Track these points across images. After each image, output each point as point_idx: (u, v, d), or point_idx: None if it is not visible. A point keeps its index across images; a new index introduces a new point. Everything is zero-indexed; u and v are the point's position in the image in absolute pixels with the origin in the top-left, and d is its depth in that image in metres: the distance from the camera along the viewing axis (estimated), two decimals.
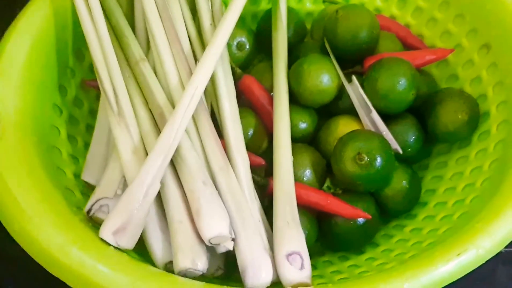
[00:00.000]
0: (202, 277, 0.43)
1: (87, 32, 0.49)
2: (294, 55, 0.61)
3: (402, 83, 0.53)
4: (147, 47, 0.53)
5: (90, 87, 0.57)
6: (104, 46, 0.48)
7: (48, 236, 0.41)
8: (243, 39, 0.62)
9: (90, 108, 0.58)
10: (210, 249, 0.45)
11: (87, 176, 0.51)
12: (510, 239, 0.42)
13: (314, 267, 0.52)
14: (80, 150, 0.55)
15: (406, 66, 0.54)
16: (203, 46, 0.52)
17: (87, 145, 0.54)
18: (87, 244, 0.42)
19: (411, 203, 0.55)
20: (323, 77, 0.55)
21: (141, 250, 0.46)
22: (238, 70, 0.59)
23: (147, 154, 0.47)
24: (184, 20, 0.52)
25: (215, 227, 0.43)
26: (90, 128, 0.56)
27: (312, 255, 0.52)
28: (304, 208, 0.51)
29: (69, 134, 0.54)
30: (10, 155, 0.44)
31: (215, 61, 0.48)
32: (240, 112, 0.54)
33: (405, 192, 0.53)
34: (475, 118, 0.55)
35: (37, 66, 0.51)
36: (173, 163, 0.46)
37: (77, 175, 0.52)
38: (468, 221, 0.45)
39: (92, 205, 0.47)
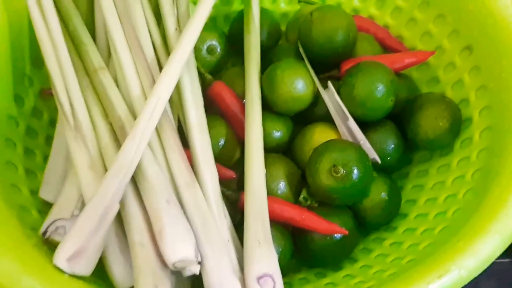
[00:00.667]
0: None
1: (41, 38, 0.45)
2: (268, 59, 0.58)
3: (380, 89, 0.50)
4: (109, 56, 0.49)
5: (51, 96, 0.54)
6: (59, 53, 0.45)
7: None
8: (214, 42, 0.59)
9: (50, 119, 0.54)
10: (176, 272, 0.42)
11: (45, 194, 0.48)
12: (494, 258, 0.40)
13: (289, 285, 0.50)
14: (38, 164, 0.51)
15: (384, 71, 0.51)
16: (168, 53, 0.49)
17: (46, 159, 0.51)
18: (39, 272, 0.39)
19: (390, 215, 0.52)
20: (298, 84, 0.52)
21: (102, 273, 0.43)
22: (208, 76, 0.56)
23: (106, 170, 0.44)
24: (148, 25, 0.49)
25: (179, 251, 0.40)
26: (50, 140, 0.52)
27: (287, 272, 0.50)
28: (278, 224, 0.49)
29: (27, 148, 0.51)
30: None
31: (180, 69, 0.45)
32: (210, 121, 0.51)
33: (384, 204, 0.51)
34: (457, 124, 0.52)
35: None
36: (134, 180, 0.43)
37: (34, 192, 0.49)
38: (450, 238, 0.42)
39: (47, 227, 0.43)
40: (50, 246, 0.43)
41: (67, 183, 0.45)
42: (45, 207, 0.48)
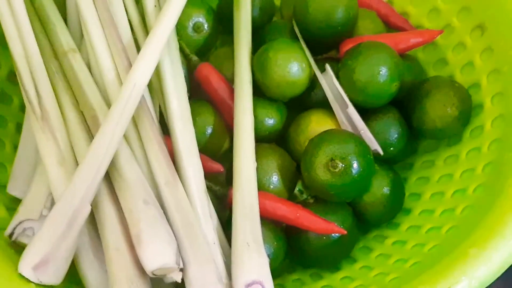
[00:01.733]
0: None
1: (1, 14, 0.40)
2: (260, 38, 0.53)
3: (383, 73, 0.46)
4: (81, 38, 0.44)
5: None
6: (23, 33, 0.40)
7: None
8: (200, 19, 0.53)
9: (21, 104, 0.50)
10: (156, 280, 0.38)
11: (13, 189, 0.43)
12: (508, 265, 0.36)
13: (281, 287, 0.46)
14: (8, 155, 0.47)
15: (388, 53, 0.46)
16: (147, 33, 0.44)
17: (17, 149, 0.46)
18: (2, 282, 0.34)
19: (393, 211, 0.48)
20: (292, 66, 0.47)
21: (75, 280, 0.39)
22: (194, 57, 0.51)
23: (77, 165, 0.39)
24: (124, 2, 0.43)
25: (158, 257, 0.36)
26: (21, 128, 0.47)
27: (279, 272, 0.47)
28: (270, 221, 0.44)
29: None
30: None
31: (160, 51, 0.40)
32: (196, 108, 0.46)
33: (387, 200, 0.46)
34: (467, 112, 0.48)
35: None
36: (109, 177, 0.39)
37: (2, 186, 0.44)
38: (460, 241, 0.38)
39: (14, 228, 0.39)
40: (17, 249, 0.39)
41: (36, 179, 0.41)
42: (14, 203, 0.43)
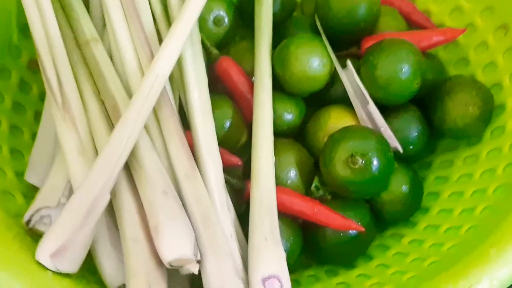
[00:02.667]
0: None
1: (25, 4, 0.40)
2: (281, 32, 0.52)
3: (405, 71, 0.45)
4: (104, 27, 0.44)
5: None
6: (46, 20, 0.40)
7: None
8: (221, 12, 0.53)
9: (40, 92, 0.50)
10: (172, 271, 0.38)
11: (31, 177, 0.43)
12: None
13: (297, 283, 0.46)
14: (26, 143, 0.47)
15: (410, 51, 0.46)
16: (170, 24, 0.43)
17: (35, 137, 0.46)
18: (19, 268, 0.35)
19: (411, 210, 0.47)
20: (313, 62, 0.47)
21: (91, 267, 0.39)
22: (214, 51, 0.51)
23: (97, 155, 0.39)
24: None
25: (176, 248, 0.36)
26: (40, 116, 0.47)
27: (295, 268, 0.46)
28: (287, 216, 0.44)
29: (13, 125, 0.46)
30: None
31: (182, 42, 0.40)
32: (216, 101, 0.46)
33: (405, 198, 0.46)
34: (489, 112, 0.47)
35: None
36: (128, 168, 0.39)
37: (20, 174, 0.44)
38: (479, 241, 0.38)
39: (31, 216, 0.39)
40: (34, 236, 0.39)
41: (54, 167, 0.41)
42: (32, 191, 0.43)
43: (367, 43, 0.49)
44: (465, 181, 0.47)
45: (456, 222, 0.44)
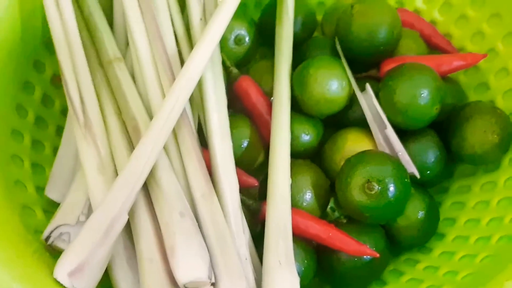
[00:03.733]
0: None
1: (51, 22, 0.41)
2: (300, 52, 0.53)
3: (424, 96, 0.45)
4: (127, 46, 0.45)
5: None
6: (71, 40, 0.41)
7: None
8: (242, 31, 0.54)
9: (62, 107, 0.50)
10: None
11: (51, 192, 0.44)
12: None
13: None
14: (47, 157, 0.48)
15: (430, 76, 0.46)
16: (192, 45, 0.44)
17: (56, 151, 0.47)
18: (36, 285, 0.35)
19: (427, 236, 0.47)
20: (332, 84, 0.47)
21: (108, 285, 0.40)
22: (234, 70, 0.51)
23: (116, 174, 0.40)
24: (170, 13, 0.44)
25: (191, 270, 0.36)
26: (61, 131, 0.48)
27: None
28: (302, 239, 0.44)
29: (35, 139, 0.47)
30: None
31: (203, 65, 0.41)
32: (234, 120, 0.46)
33: (421, 224, 0.46)
34: (508, 139, 0.47)
35: None
36: (146, 187, 0.39)
37: (41, 188, 0.45)
38: (495, 272, 0.38)
39: (51, 232, 0.40)
40: (52, 252, 0.40)
41: (74, 184, 0.41)
42: (52, 206, 0.44)
43: (387, 66, 0.49)
44: (482, 208, 0.47)
45: (472, 250, 0.44)
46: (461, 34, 0.54)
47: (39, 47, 0.48)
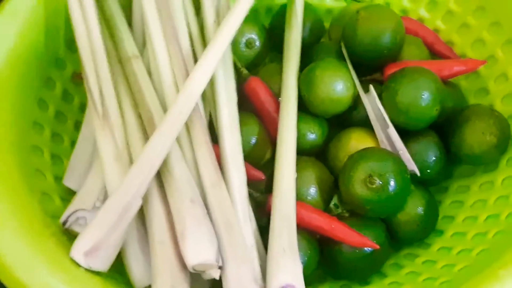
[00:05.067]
0: None
1: (74, 21, 0.44)
2: (308, 56, 0.55)
3: (425, 97, 0.47)
4: (144, 45, 0.48)
5: (82, 80, 0.52)
6: (93, 38, 0.44)
7: (13, 250, 0.37)
8: (253, 35, 0.56)
9: (81, 103, 0.53)
10: (195, 274, 0.40)
11: (69, 181, 0.47)
12: None
13: None
14: (65, 149, 0.50)
15: (431, 79, 0.48)
16: (205, 45, 0.47)
17: (74, 144, 0.49)
18: (53, 263, 0.38)
19: (426, 231, 0.49)
20: (337, 85, 0.49)
21: (120, 267, 0.42)
22: (244, 71, 0.54)
23: (132, 163, 0.42)
24: (186, 15, 0.47)
25: (200, 254, 0.38)
26: (79, 125, 0.51)
27: (310, 281, 0.48)
28: (305, 231, 0.46)
29: (54, 132, 0.50)
30: None
31: (216, 63, 0.43)
32: (244, 118, 0.49)
33: (420, 220, 0.48)
34: (505, 141, 0.49)
35: (22, 56, 0.46)
36: (160, 176, 0.42)
37: (59, 178, 0.48)
38: (489, 263, 0.39)
39: (68, 217, 0.42)
40: (69, 236, 0.42)
41: (91, 173, 0.44)
42: (68, 194, 0.47)
43: (390, 70, 0.51)
44: (480, 206, 0.49)
45: (469, 245, 0.45)
46: (463, 42, 0.56)
47: (61, 46, 0.51)
